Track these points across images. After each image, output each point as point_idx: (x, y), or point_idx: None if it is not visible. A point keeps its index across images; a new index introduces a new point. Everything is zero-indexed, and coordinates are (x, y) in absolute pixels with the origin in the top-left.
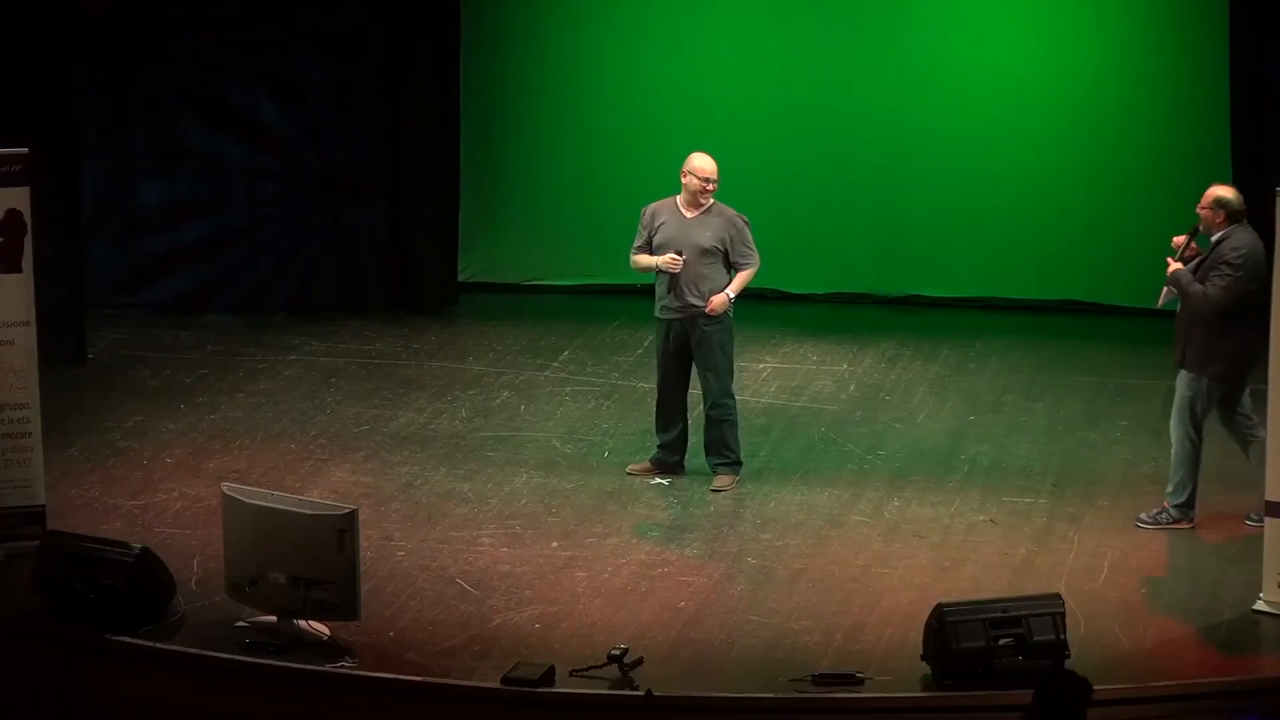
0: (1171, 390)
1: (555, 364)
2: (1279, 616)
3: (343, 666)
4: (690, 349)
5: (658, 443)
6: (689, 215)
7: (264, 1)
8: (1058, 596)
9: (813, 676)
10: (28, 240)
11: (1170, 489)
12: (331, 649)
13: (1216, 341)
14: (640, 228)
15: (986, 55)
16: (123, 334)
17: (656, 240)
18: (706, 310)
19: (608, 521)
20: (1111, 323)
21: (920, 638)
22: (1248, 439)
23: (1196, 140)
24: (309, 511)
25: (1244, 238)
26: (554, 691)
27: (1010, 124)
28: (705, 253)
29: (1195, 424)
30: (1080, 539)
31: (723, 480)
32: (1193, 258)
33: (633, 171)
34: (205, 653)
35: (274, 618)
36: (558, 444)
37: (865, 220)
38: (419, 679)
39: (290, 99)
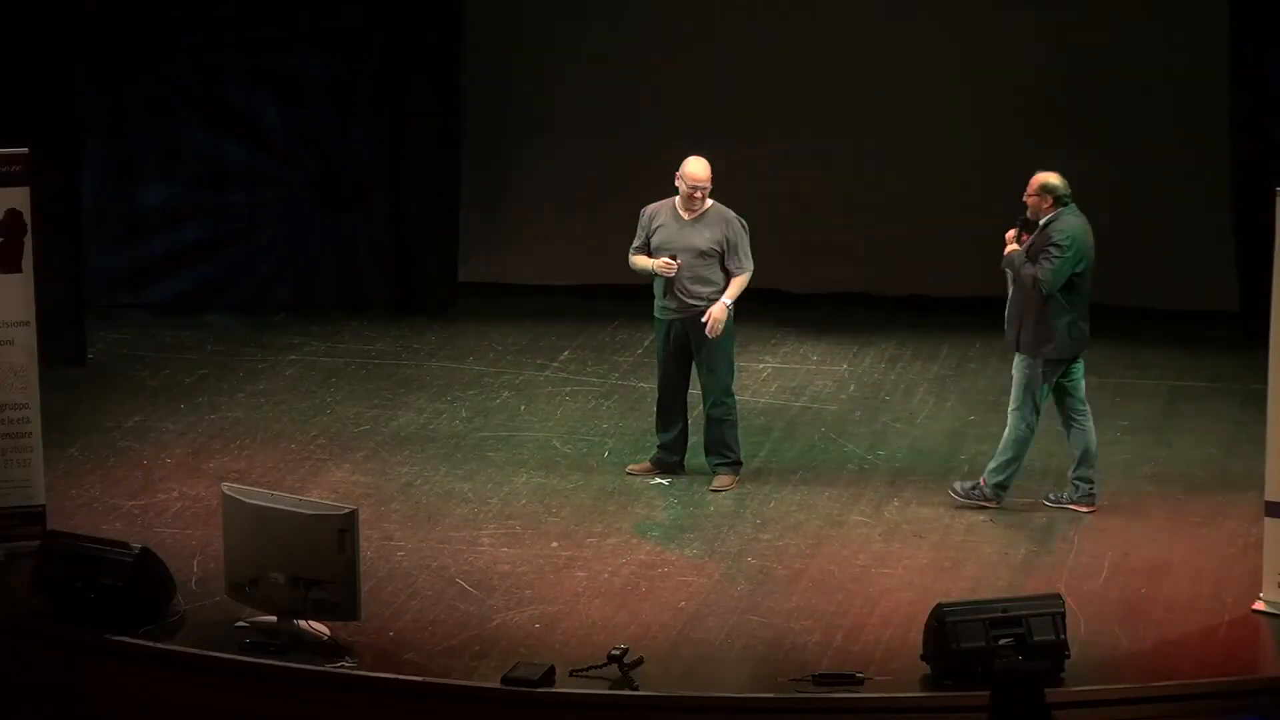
0: (1172, 390)
1: (555, 364)
2: (1279, 616)
3: (343, 666)
4: (690, 349)
5: (658, 443)
6: (687, 217)
7: (264, 1)
8: (1058, 596)
9: (813, 676)
10: (28, 240)
11: (993, 466)
12: (331, 649)
13: (1047, 323)
14: (639, 228)
15: (987, 55)
16: (123, 334)
17: (654, 242)
18: (706, 330)
19: (608, 521)
20: (1111, 323)
21: (920, 638)
22: (1071, 424)
23: (1197, 141)
24: (309, 511)
25: (1070, 221)
26: (554, 691)
27: (1011, 124)
28: (702, 254)
29: (1035, 408)
30: (1080, 539)
31: (723, 480)
32: (1030, 247)
33: (633, 172)
34: (205, 653)
35: (274, 618)
36: (558, 444)
37: (865, 220)
38: (419, 679)
39: (290, 99)
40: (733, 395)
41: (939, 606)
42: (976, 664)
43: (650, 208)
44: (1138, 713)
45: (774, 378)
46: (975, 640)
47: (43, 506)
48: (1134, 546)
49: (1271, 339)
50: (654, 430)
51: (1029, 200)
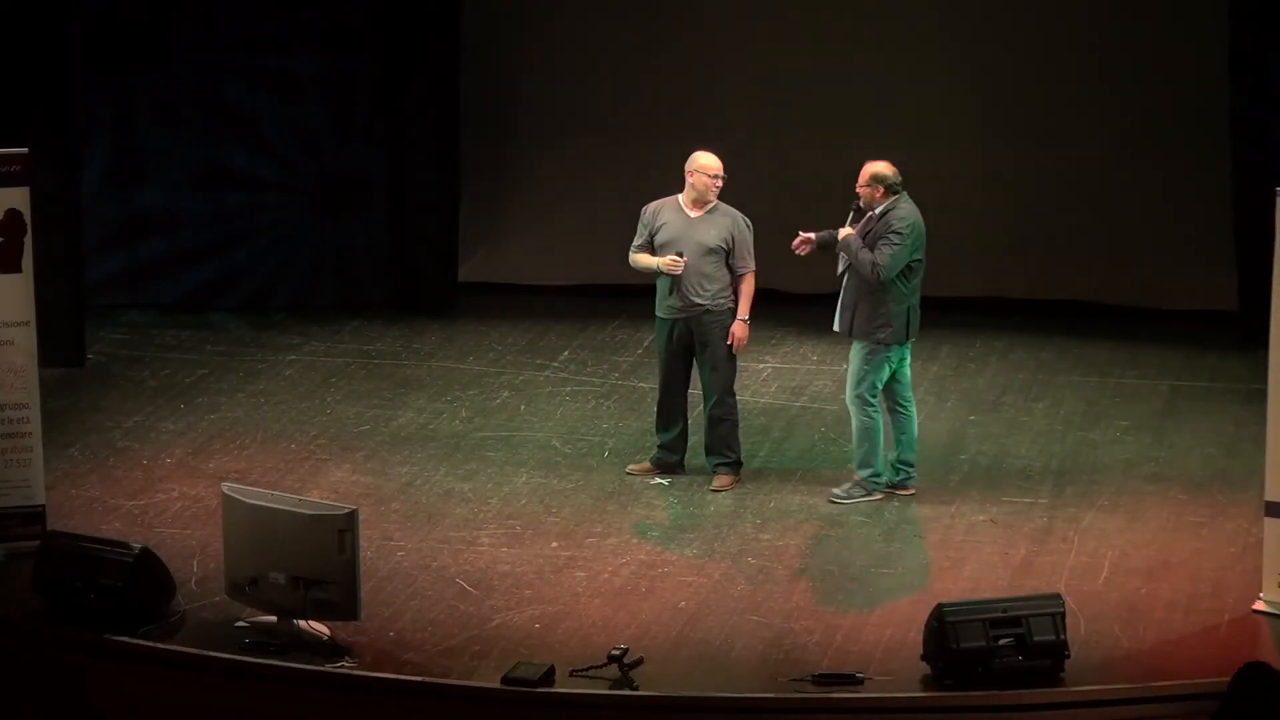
0: (1172, 390)
1: (555, 364)
2: (1279, 616)
3: (343, 666)
4: (693, 348)
5: (658, 442)
6: (693, 214)
7: (264, 1)
8: (1058, 596)
9: (813, 676)
10: (28, 240)
11: (857, 464)
12: (331, 649)
13: (882, 308)
14: (641, 226)
15: (987, 56)
16: (123, 334)
17: (660, 240)
18: (734, 349)
19: (608, 521)
20: (1111, 323)
21: (920, 638)
22: (896, 411)
23: (1196, 141)
24: (309, 511)
25: (907, 209)
26: (554, 691)
27: (1010, 124)
28: (710, 251)
29: (874, 394)
30: (1080, 539)
31: (723, 480)
32: (865, 234)
33: (633, 172)
34: (205, 653)
35: (274, 618)
36: (558, 444)
37: None
38: (419, 679)
39: (290, 99)
40: (734, 395)
41: (939, 606)
42: (976, 664)
43: (652, 205)
44: (1138, 713)
45: (774, 378)
46: (975, 640)
47: (43, 506)
48: (1134, 546)
49: (1271, 339)
50: (654, 430)
51: (861, 191)
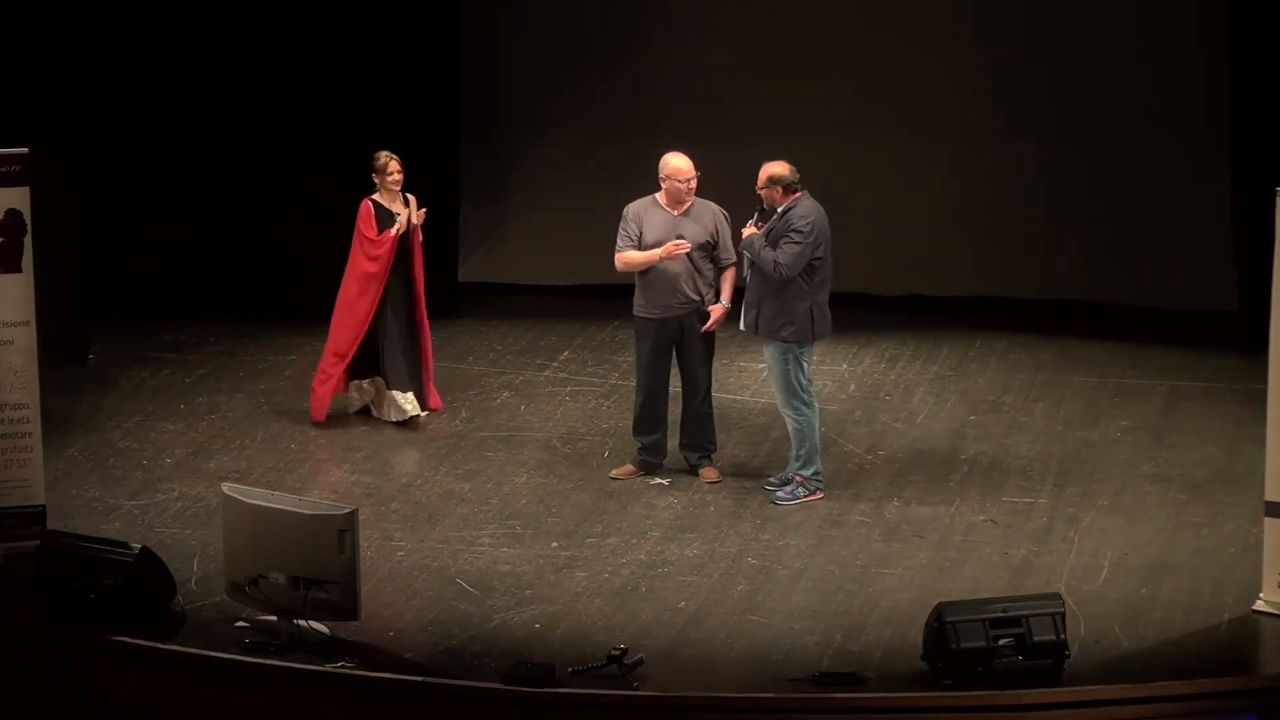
0: (1172, 390)
1: (555, 364)
2: (1279, 616)
3: (343, 666)
4: (678, 346)
5: (640, 445)
6: (675, 213)
7: (264, 2)
8: (1058, 596)
9: (813, 676)
10: (28, 240)
11: (798, 465)
12: (331, 649)
13: (786, 305)
14: (628, 223)
15: (986, 55)
16: (123, 334)
17: (648, 240)
18: (710, 323)
19: (608, 521)
20: (1111, 323)
21: (920, 638)
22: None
23: (1196, 140)
24: (309, 511)
25: (809, 206)
26: (554, 691)
27: (1010, 123)
28: (700, 247)
29: (803, 390)
30: (1080, 539)
31: (712, 472)
32: (769, 232)
33: (632, 172)
34: (205, 653)
35: (274, 618)
36: (558, 444)
37: (865, 220)
38: (419, 679)
39: (290, 99)
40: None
41: (939, 606)
42: (976, 664)
43: (634, 207)
44: (1138, 713)
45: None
46: (975, 640)
47: (43, 506)
48: (1134, 546)
49: (1271, 339)
50: (633, 433)
51: (761, 193)
